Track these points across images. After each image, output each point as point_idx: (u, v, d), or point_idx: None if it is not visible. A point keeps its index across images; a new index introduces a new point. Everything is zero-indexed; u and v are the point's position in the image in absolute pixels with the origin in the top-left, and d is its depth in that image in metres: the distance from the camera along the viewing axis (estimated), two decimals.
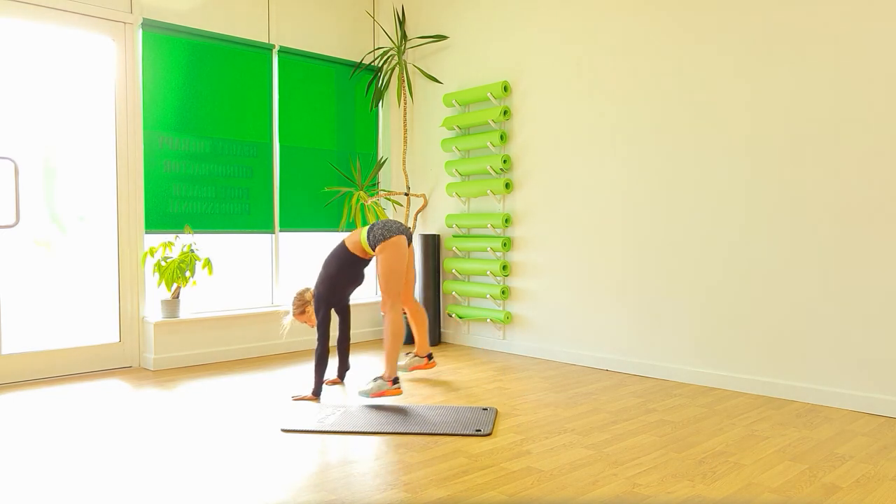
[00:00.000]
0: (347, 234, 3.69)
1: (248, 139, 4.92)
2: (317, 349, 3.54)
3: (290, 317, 3.77)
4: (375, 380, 3.46)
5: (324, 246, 5.45)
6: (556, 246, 4.55)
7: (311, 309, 3.70)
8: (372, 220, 5.28)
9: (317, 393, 3.49)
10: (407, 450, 2.69)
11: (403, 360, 3.98)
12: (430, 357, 4.01)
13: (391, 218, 3.69)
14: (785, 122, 3.47)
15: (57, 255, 4.17)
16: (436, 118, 5.42)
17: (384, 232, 3.53)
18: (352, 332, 5.35)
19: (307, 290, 3.75)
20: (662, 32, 3.95)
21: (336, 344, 3.92)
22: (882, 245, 3.17)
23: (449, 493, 2.22)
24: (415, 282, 3.76)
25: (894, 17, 3.11)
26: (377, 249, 3.53)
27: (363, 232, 3.60)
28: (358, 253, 3.62)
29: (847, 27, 3.24)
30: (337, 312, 3.82)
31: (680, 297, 3.91)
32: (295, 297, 3.74)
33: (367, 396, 3.43)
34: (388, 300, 3.50)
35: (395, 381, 3.44)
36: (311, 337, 5.10)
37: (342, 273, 3.62)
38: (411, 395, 3.61)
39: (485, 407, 3.29)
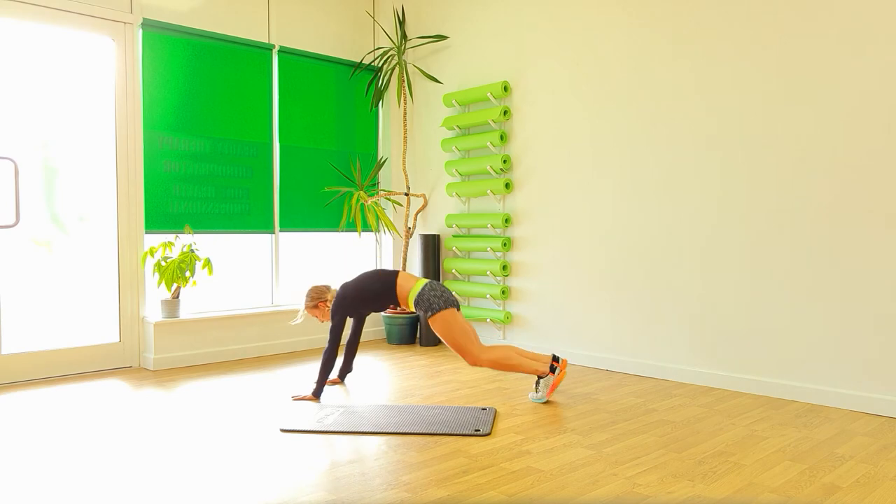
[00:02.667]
0: (406, 273, 3.60)
1: (248, 139, 4.92)
2: (325, 350, 3.52)
3: (303, 309, 3.76)
4: (537, 383, 3.45)
5: (323, 246, 5.45)
6: (556, 246, 4.55)
7: (325, 306, 3.69)
8: (372, 220, 5.28)
9: (317, 394, 3.48)
10: (407, 450, 2.69)
11: (539, 391, 3.50)
12: (555, 359, 3.50)
13: (438, 283, 3.60)
14: (781, 124, 3.47)
15: (57, 255, 4.17)
16: (436, 118, 5.42)
17: (439, 302, 3.42)
18: None
19: (329, 288, 3.73)
20: (663, 33, 3.95)
21: (345, 343, 3.90)
22: (882, 245, 3.17)
23: (449, 493, 2.22)
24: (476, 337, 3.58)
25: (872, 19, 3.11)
26: (430, 318, 3.42)
27: (417, 286, 3.48)
28: (399, 296, 3.54)
29: (836, 31, 3.25)
30: (352, 316, 3.80)
31: (680, 296, 3.91)
32: (311, 289, 3.70)
33: (546, 399, 3.44)
34: (471, 357, 3.40)
35: (553, 364, 3.44)
36: (311, 337, 5.10)
37: (377, 297, 3.56)
38: (411, 395, 3.61)
39: (484, 407, 3.29)
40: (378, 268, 3.67)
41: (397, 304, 3.59)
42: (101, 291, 4.34)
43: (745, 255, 3.63)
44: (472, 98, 4.96)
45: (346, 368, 3.86)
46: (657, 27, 3.97)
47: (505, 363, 3.40)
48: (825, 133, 3.33)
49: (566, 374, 3.89)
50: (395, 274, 3.58)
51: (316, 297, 3.71)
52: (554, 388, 3.45)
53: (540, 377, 3.45)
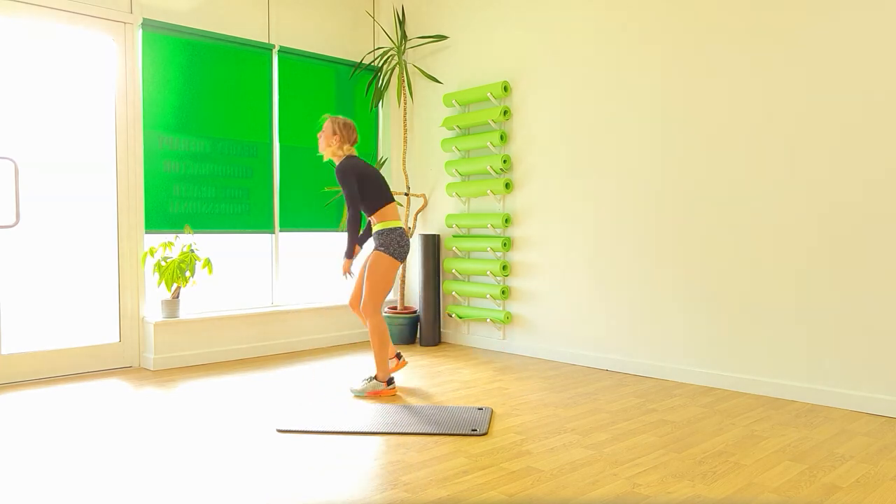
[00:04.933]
0: (394, 206, 3.71)
1: (248, 139, 4.92)
2: (348, 219, 3.54)
3: (323, 140, 3.67)
4: (370, 380, 3.53)
5: (324, 246, 5.45)
6: (556, 246, 4.55)
7: (337, 141, 3.61)
8: None
9: (348, 255, 3.56)
10: (407, 450, 2.69)
11: (362, 385, 3.65)
12: (398, 356, 3.77)
13: (402, 234, 3.67)
14: (787, 121, 3.47)
15: (57, 255, 4.17)
16: (436, 118, 5.42)
17: (398, 249, 3.57)
18: (340, 334, 5.35)
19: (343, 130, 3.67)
20: (663, 33, 3.95)
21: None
22: (882, 245, 3.17)
23: (449, 493, 2.22)
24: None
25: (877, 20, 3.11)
26: (380, 250, 3.56)
27: (393, 223, 3.59)
28: (379, 208, 3.59)
29: (842, 30, 3.25)
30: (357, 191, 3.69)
31: (680, 296, 3.91)
32: (331, 123, 3.64)
33: (363, 395, 3.51)
34: (372, 306, 3.57)
35: (390, 381, 3.57)
36: (310, 338, 5.10)
37: (375, 184, 3.59)
38: (410, 395, 3.61)
39: (480, 406, 3.29)
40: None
41: (377, 207, 3.60)
42: (101, 291, 4.34)
43: (745, 256, 3.63)
44: (472, 98, 4.96)
45: (364, 238, 3.83)
46: (658, 27, 3.97)
47: (378, 336, 3.56)
48: (825, 134, 3.33)
49: (400, 370, 3.96)
50: (390, 193, 3.66)
51: (334, 129, 3.63)
52: (373, 396, 3.55)
53: (375, 376, 3.58)
